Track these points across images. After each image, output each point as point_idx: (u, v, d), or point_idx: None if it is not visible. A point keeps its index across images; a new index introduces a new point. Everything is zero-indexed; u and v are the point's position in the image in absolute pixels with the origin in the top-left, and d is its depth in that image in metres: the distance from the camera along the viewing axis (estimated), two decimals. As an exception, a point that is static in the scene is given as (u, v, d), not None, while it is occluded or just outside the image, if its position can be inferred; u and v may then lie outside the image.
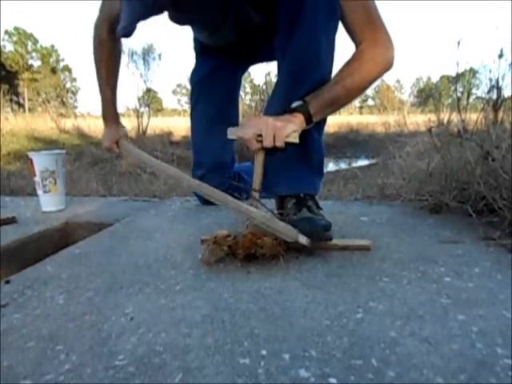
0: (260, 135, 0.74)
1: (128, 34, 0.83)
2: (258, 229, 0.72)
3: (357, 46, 0.79)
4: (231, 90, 1.17)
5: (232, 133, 0.80)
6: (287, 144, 0.74)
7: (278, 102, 0.82)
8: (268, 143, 0.73)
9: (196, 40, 1.16)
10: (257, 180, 0.77)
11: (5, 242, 0.87)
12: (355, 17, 0.78)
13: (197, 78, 1.16)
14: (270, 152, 0.77)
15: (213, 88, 1.13)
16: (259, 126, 0.74)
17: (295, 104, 0.77)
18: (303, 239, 0.69)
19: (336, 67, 0.81)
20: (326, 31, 0.77)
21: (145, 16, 0.83)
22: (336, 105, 0.80)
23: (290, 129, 0.73)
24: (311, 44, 0.77)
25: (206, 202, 1.17)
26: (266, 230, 0.70)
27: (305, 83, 0.78)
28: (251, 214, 0.72)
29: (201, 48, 1.15)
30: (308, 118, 0.76)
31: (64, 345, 0.47)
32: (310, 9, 0.75)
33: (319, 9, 0.75)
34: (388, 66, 0.80)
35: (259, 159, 0.77)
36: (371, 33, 0.78)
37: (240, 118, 1.22)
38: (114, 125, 1.07)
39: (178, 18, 0.92)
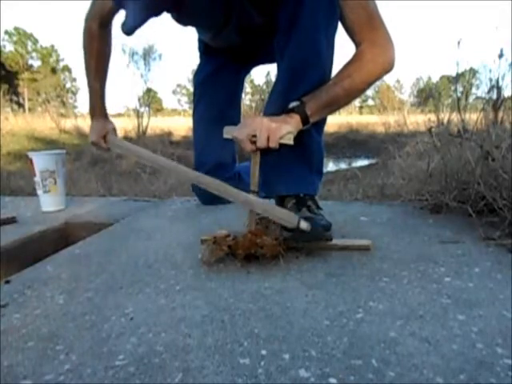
0: (254, 135, 0.74)
1: (131, 33, 0.83)
2: (262, 224, 0.72)
3: (356, 47, 0.79)
4: (233, 90, 1.17)
5: (227, 132, 0.80)
6: (282, 145, 0.74)
7: (277, 102, 0.82)
8: (261, 144, 0.73)
9: (200, 40, 1.16)
10: (253, 180, 0.77)
11: (5, 242, 0.87)
12: (355, 17, 0.77)
13: (200, 78, 1.16)
14: (266, 153, 0.76)
15: (215, 88, 1.13)
16: (254, 127, 0.74)
17: (292, 104, 0.77)
18: (304, 225, 0.69)
19: (336, 68, 0.81)
20: (325, 31, 0.77)
21: (148, 17, 0.84)
22: (334, 106, 0.80)
23: (284, 130, 0.73)
24: (310, 44, 0.76)
25: (206, 202, 1.17)
26: (267, 223, 0.71)
27: (303, 83, 0.78)
28: (251, 203, 0.73)
29: (205, 49, 1.15)
30: (304, 119, 0.76)
31: (64, 345, 0.47)
32: (310, 9, 0.75)
33: (319, 9, 0.75)
34: (388, 67, 0.79)
35: (255, 160, 0.77)
36: (371, 33, 0.77)
37: (242, 119, 1.22)
38: (102, 118, 1.04)
39: (180, 19, 0.92)
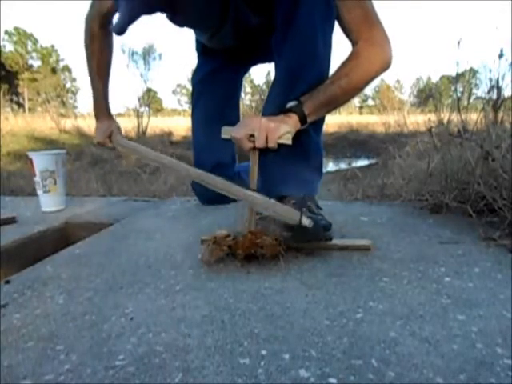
0: (252, 135, 0.74)
1: (122, 32, 0.83)
2: (262, 224, 0.72)
3: (353, 46, 0.79)
4: (232, 90, 1.17)
5: (226, 132, 0.80)
6: (280, 145, 0.74)
7: (275, 102, 0.82)
8: (260, 144, 0.73)
9: (198, 41, 1.16)
10: (252, 180, 0.77)
11: (5, 242, 0.87)
12: (352, 16, 0.77)
13: (198, 78, 1.16)
14: (264, 152, 0.76)
15: (213, 88, 1.13)
16: (252, 126, 0.74)
17: (290, 104, 0.77)
18: (306, 221, 0.69)
19: (333, 67, 0.81)
20: (322, 30, 0.77)
21: (140, 14, 0.83)
22: (332, 105, 0.80)
23: (283, 130, 0.73)
24: (308, 43, 0.76)
25: (205, 202, 1.17)
26: (267, 223, 0.70)
27: (301, 82, 0.78)
28: (253, 199, 0.73)
29: (202, 49, 1.15)
30: (302, 119, 0.76)
31: (64, 345, 0.47)
32: (307, 8, 0.75)
33: (315, 8, 0.75)
34: (385, 65, 0.79)
35: (254, 159, 0.77)
36: (368, 32, 0.77)
37: (241, 118, 1.22)
38: (106, 119, 1.05)
39: (175, 19, 0.91)
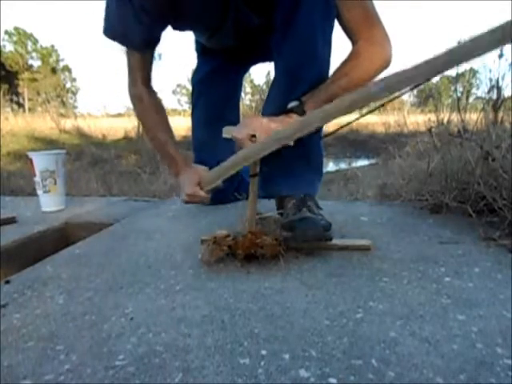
0: (254, 136, 0.74)
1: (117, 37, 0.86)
2: (262, 224, 0.71)
3: (353, 45, 0.79)
4: (231, 90, 1.17)
5: (227, 132, 0.80)
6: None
7: (275, 102, 0.82)
8: None
9: (197, 41, 1.16)
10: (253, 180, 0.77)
11: (5, 242, 0.87)
12: (351, 15, 0.77)
13: (197, 78, 1.16)
14: None
15: (213, 88, 1.13)
16: (253, 127, 0.74)
17: (291, 104, 0.77)
18: None
19: (333, 66, 0.81)
20: (322, 29, 0.77)
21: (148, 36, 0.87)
22: None
23: None
24: (307, 42, 0.76)
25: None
26: (267, 223, 0.69)
27: (301, 83, 0.78)
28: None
29: (202, 49, 1.15)
30: None
31: (64, 345, 0.47)
32: (306, 8, 0.75)
33: (315, 8, 0.75)
34: (385, 64, 0.79)
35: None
36: (368, 31, 0.77)
37: (241, 118, 1.22)
38: (188, 167, 0.92)
39: (177, 26, 0.91)
